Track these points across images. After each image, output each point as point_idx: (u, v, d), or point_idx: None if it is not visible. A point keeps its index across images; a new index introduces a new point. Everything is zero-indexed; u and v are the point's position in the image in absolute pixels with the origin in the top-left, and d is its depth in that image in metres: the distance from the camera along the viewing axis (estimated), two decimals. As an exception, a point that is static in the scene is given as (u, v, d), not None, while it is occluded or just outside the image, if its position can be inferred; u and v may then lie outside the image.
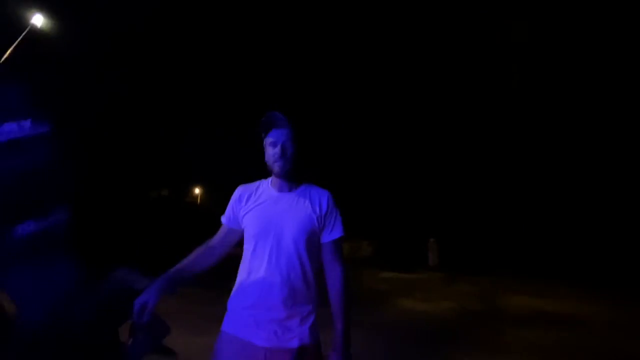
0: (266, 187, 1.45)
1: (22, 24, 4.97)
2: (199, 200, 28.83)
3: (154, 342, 1.24)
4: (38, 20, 5.02)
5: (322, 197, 1.42)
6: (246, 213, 1.40)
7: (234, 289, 1.37)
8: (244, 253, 1.39)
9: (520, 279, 9.45)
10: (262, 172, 1.51)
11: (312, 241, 1.35)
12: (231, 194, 1.48)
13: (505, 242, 13.34)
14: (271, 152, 1.40)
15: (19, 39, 3.61)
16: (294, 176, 1.43)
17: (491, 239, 13.54)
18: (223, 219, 1.47)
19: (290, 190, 1.42)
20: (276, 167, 1.39)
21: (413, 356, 3.73)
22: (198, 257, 1.38)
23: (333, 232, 1.38)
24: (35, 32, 4.67)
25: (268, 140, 1.43)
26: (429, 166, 14.05)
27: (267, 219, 1.35)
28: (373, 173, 14.36)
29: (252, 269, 1.33)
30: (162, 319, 1.25)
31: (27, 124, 0.96)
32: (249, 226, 1.37)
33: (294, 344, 1.26)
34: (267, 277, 1.29)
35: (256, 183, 1.48)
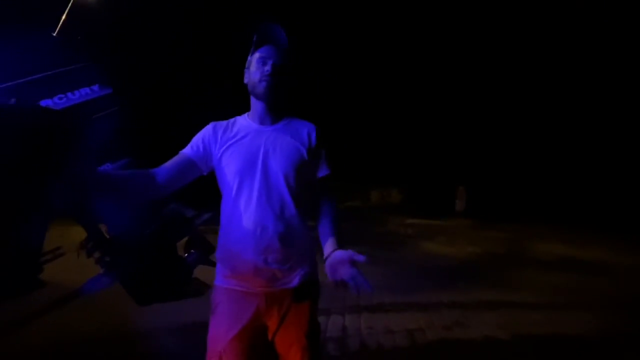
0: (244, 122, 1.26)
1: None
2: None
3: (203, 257, 1.52)
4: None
5: (310, 130, 1.25)
6: (224, 150, 1.21)
7: (220, 237, 1.22)
8: (223, 197, 1.23)
9: (550, 226, 9.36)
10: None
11: (303, 176, 1.20)
12: None
13: (536, 189, 13.02)
14: (259, 70, 1.19)
15: (67, 9, 3.76)
16: (279, 106, 1.24)
17: (521, 186, 13.25)
18: (186, 150, 1.24)
19: (273, 123, 1.24)
20: (261, 87, 1.18)
21: (428, 288, 4.00)
22: (133, 176, 1.14)
23: (323, 169, 1.25)
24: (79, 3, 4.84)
25: (256, 55, 1.21)
26: (458, 113, 13.59)
27: (251, 153, 1.18)
28: (404, 120, 14.09)
29: (239, 210, 1.16)
30: (207, 240, 1.53)
31: (95, 87, 1.14)
32: (230, 164, 1.18)
33: (295, 282, 1.17)
34: (259, 216, 1.13)
35: (229, 120, 1.28)
